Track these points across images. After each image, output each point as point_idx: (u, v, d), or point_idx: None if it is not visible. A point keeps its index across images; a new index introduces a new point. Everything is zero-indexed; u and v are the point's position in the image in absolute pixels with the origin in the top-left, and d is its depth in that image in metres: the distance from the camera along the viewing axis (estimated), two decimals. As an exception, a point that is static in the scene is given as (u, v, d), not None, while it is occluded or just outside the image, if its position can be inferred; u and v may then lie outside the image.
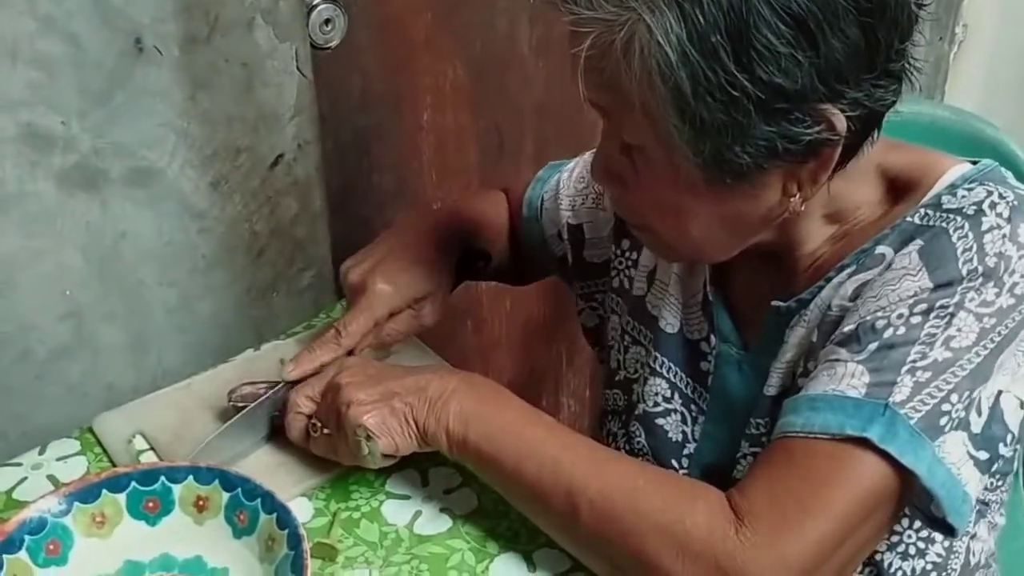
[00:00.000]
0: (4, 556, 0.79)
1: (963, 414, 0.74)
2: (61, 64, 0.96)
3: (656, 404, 0.98)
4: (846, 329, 0.78)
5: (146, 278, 1.10)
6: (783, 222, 0.82)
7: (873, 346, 0.75)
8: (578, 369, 1.93)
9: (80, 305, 1.06)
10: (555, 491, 0.80)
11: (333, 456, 0.91)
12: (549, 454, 0.81)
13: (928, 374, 0.74)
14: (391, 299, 1.00)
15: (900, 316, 0.76)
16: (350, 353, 0.98)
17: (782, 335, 0.87)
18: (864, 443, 0.72)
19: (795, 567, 0.72)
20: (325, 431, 0.89)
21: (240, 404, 0.96)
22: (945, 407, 0.73)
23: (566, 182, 1.12)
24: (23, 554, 0.80)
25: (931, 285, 0.76)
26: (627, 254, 1.05)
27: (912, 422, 0.73)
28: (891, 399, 0.73)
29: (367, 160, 1.41)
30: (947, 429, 0.73)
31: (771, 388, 0.87)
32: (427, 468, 0.94)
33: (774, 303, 0.87)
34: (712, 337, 0.94)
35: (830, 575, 0.75)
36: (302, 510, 0.90)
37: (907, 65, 0.76)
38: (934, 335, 0.74)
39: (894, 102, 0.76)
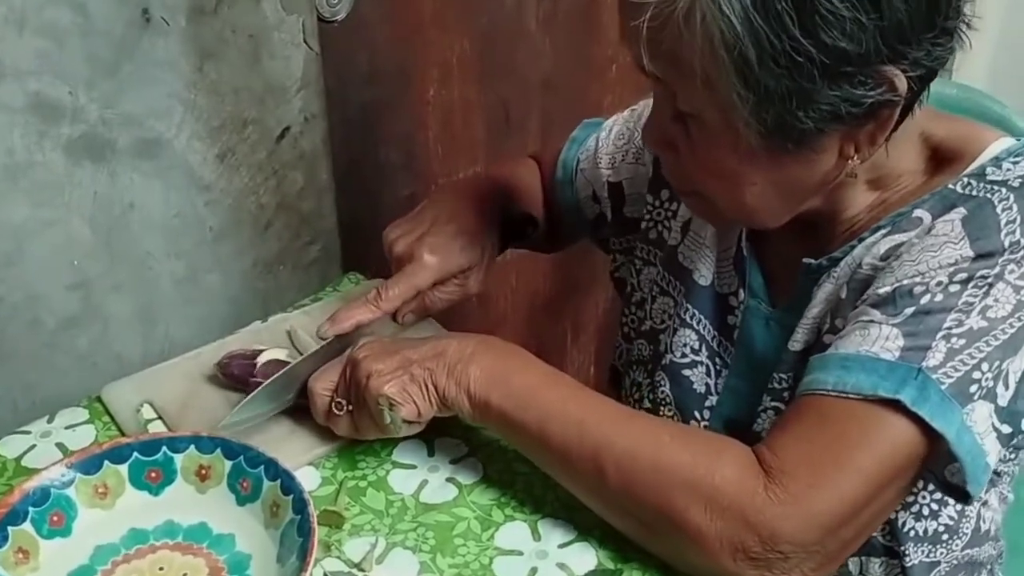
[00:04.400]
0: (9, 528, 0.80)
1: (991, 384, 0.75)
2: (69, 33, 0.96)
3: (684, 355, 0.98)
4: (881, 291, 0.78)
5: (154, 249, 1.11)
6: (830, 188, 0.82)
7: (909, 311, 0.76)
8: (583, 346, 1.94)
9: (88, 275, 1.06)
10: (581, 451, 0.80)
11: (355, 434, 0.91)
12: (573, 414, 0.81)
13: (962, 341, 0.74)
14: (437, 270, 1.01)
15: (939, 284, 0.76)
16: (394, 318, 1.01)
17: (811, 292, 0.87)
18: (895, 405, 0.73)
19: (824, 525, 0.72)
20: (348, 408, 0.89)
21: (224, 371, 0.98)
22: (976, 375, 0.74)
23: (605, 140, 1.12)
24: (27, 525, 0.81)
25: (972, 254, 0.76)
26: (666, 204, 1.05)
27: (943, 387, 0.73)
28: (924, 364, 0.73)
29: (373, 134, 1.41)
30: (976, 397, 0.74)
31: (796, 343, 0.88)
32: (433, 439, 0.94)
33: (805, 260, 0.87)
34: (741, 292, 0.94)
35: (855, 534, 0.76)
36: (309, 479, 0.90)
37: (963, 22, 0.75)
38: (971, 304, 0.75)
39: (949, 59, 0.75)
